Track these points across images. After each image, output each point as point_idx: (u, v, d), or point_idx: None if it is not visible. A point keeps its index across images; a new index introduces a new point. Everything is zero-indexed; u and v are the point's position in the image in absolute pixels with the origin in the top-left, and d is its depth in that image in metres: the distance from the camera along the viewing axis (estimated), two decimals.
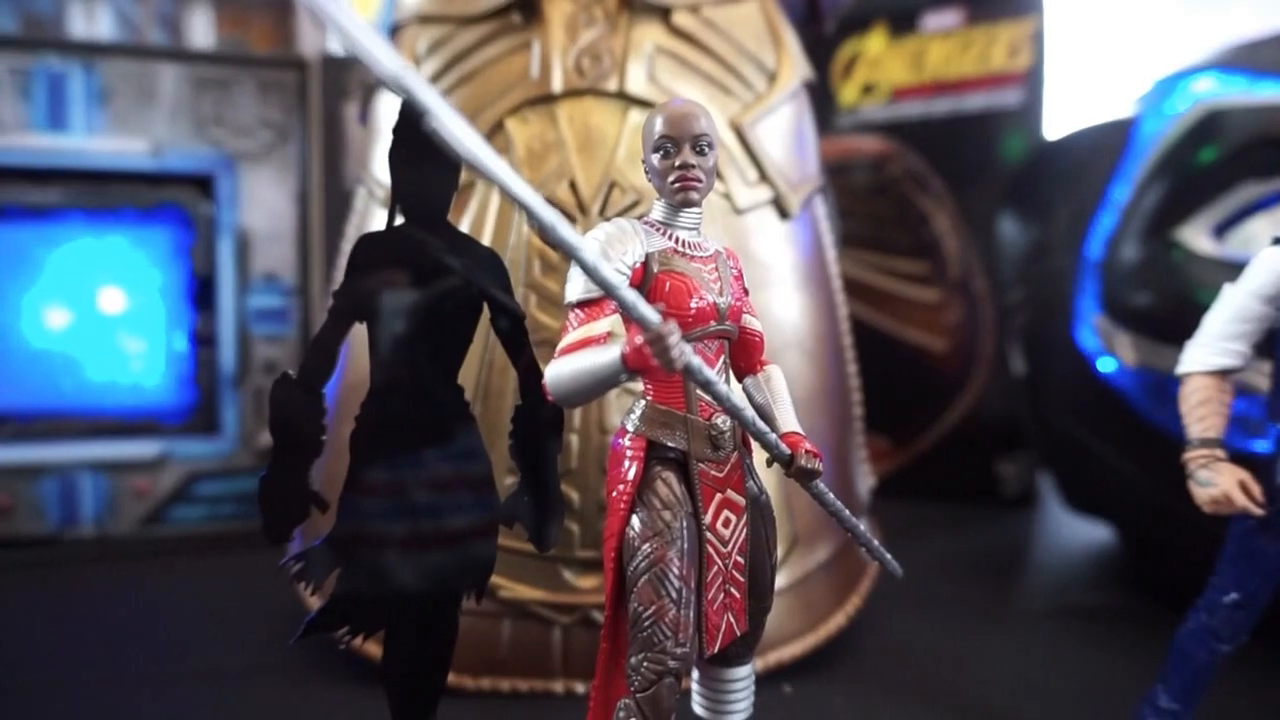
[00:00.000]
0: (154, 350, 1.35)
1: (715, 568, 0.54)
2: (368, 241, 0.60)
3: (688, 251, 0.54)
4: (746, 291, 0.59)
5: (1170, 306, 1.03)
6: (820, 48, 1.79)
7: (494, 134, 0.90)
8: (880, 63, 1.75)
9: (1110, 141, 1.24)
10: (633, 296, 0.44)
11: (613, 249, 0.51)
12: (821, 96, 1.79)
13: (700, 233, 0.56)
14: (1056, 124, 1.58)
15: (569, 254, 0.43)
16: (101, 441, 1.30)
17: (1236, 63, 1.12)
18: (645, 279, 0.52)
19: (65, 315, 1.32)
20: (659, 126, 0.53)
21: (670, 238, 0.54)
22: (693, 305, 0.52)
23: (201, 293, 1.37)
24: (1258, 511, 0.61)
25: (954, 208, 1.68)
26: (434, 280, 0.59)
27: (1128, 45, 1.75)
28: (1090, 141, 1.32)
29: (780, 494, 0.87)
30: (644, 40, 0.91)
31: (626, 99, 0.89)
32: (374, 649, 0.83)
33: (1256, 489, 0.61)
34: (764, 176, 0.92)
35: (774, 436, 0.53)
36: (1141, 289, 1.09)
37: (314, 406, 0.58)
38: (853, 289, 1.77)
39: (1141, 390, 1.06)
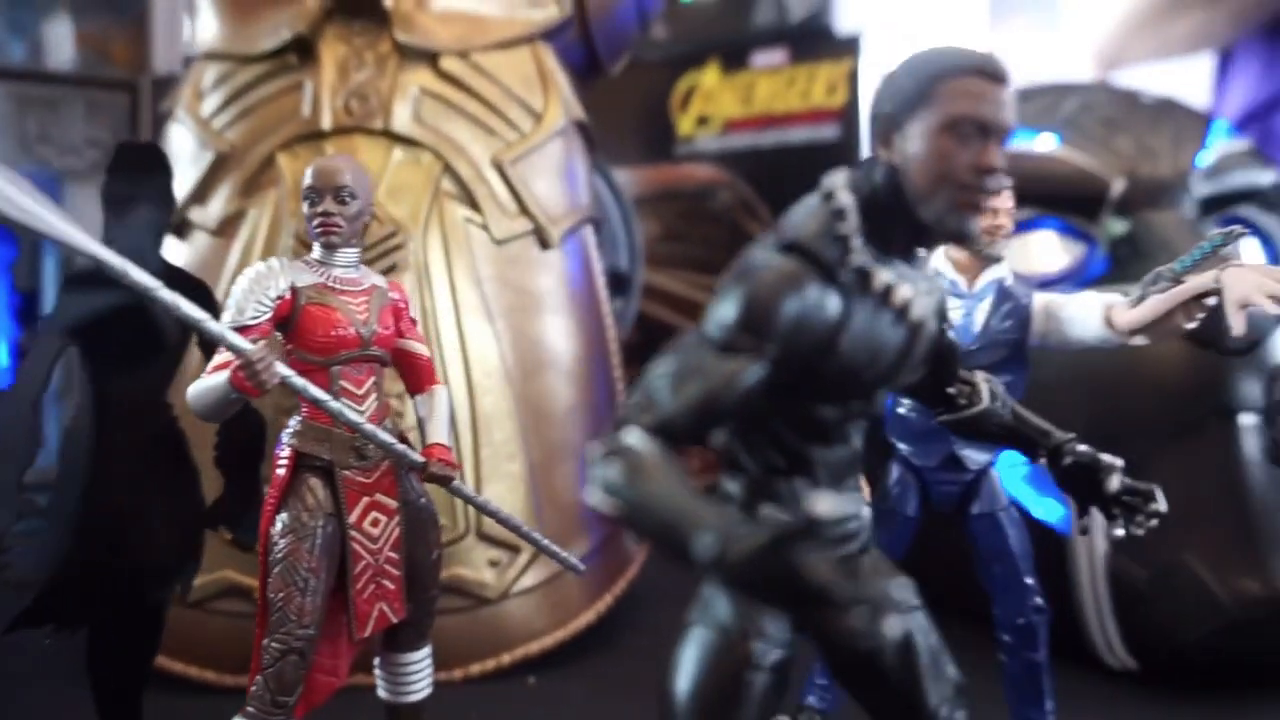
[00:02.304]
0: None
1: (364, 562, 0.62)
2: (77, 275, 0.66)
3: (338, 287, 0.62)
4: (414, 323, 0.67)
5: None
6: (659, 80, 1.90)
7: (266, 167, 0.96)
8: (714, 96, 1.86)
9: None
10: (219, 330, 0.52)
11: (259, 284, 0.59)
12: (662, 126, 1.91)
13: (359, 269, 0.64)
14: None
15: (142, 294, 0.50)
16: None
17: None
18: (294, 310, 0.60)
19: None
20: (307, 178, 0.61)
21: (323, 275, 0.62)
22: (333, 333, 0.60)
23: (25, 308, 1.40)
24: None
25: None
26: (140, 309, 0.66)
27: None
28: None
29: (530, 503, 0.95)
30: (411, 83, 0.98)
31: (391, 137, 0.96)
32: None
33: None
34: (524, 210, 1.01)
35: (400, 447, 0.61)
36: None
37: (20, 418, 0.65)
38: (686, 309, 1.88)
39: None
